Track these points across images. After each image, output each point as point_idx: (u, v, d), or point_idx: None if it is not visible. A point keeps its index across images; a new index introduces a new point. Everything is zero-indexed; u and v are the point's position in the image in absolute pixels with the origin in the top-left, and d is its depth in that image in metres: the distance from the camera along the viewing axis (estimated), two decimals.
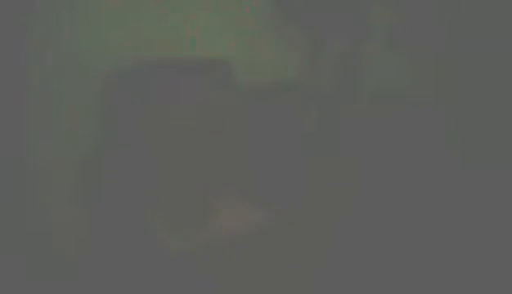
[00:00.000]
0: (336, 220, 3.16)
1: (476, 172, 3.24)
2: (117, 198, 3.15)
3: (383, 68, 3.32)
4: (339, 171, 3.20)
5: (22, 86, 3.23)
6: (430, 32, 3.27)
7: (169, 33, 3.26)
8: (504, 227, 3.20)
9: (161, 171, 3.15)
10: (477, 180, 3.23)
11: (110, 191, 3.17)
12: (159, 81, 3.18)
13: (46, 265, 3.22)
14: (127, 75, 3.20)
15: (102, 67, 3.23)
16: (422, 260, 3.16)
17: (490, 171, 3.24)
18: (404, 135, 3.24)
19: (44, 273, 3.21)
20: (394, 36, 3.26)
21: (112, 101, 3.20)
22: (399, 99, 3.27)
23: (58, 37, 3.21)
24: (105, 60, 3.23)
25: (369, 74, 3.30)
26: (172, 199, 3.15)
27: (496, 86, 3.26)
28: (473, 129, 3.27)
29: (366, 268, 3.14)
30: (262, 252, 3.10)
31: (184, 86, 3.17)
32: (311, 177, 3.18)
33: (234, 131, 3.16)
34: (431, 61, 3.30)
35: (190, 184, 3.16)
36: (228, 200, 3.15)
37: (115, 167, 3.16)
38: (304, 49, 3.30)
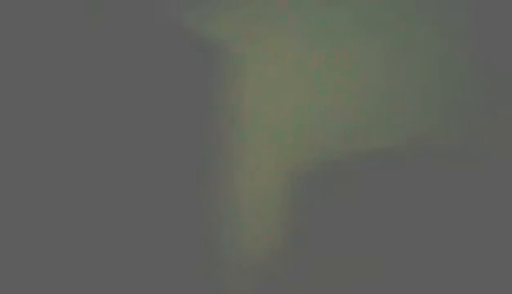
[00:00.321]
0: None
1: None
2: None
3: None
4: None
5: (211, 176, 3.25)
6: None
7: (375, 121, 3.22)
8: None
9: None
10: None
11: None
12: (374, 172, 3.02)
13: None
14: (332, 168, 3.09)
15: (298, 160, 3.19)
16: None
17: None
18: None
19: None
20: None
21: (307, 197, 3.06)
22: None
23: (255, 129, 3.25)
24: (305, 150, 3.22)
25: None
26: None
27: None
28: None
29: None
30: None
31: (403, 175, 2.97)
32: None
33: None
34: None
35: None
36: None
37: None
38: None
